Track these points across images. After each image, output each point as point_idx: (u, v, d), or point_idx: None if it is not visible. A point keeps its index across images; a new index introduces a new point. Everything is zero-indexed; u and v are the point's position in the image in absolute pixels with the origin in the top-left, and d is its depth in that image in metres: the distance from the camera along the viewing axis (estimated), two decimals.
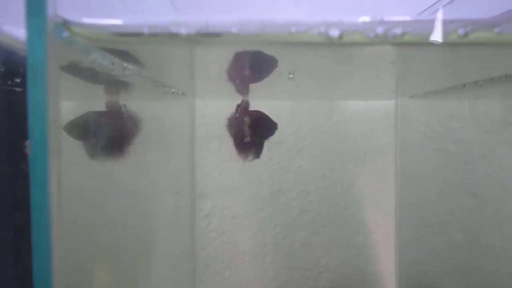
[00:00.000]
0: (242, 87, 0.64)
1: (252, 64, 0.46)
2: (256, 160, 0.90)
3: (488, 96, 0.62)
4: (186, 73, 0.54)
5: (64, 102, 0.33)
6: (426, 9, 0.46)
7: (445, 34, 0.32)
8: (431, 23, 0.32)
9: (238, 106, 0.67)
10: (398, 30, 0.32)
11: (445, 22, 0.32)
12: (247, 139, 0.66)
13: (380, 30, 0.30)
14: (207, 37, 0.31)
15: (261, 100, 0.84)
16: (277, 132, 0.87)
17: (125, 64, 0.43)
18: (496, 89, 0.53)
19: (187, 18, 0.32)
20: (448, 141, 0.69)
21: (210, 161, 0.85)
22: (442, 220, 0.69)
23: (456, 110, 0.68)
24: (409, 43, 0.33)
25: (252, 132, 0.66)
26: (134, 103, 0.61)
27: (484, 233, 0.62)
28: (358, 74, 0.53)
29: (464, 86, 0.55)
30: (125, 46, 0.36)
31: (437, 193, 0.69)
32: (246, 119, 0.66)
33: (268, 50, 0.38)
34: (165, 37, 0.32)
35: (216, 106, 0.84)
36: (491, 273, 0.60)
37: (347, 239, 0.82)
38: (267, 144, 0.91)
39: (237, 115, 0.67)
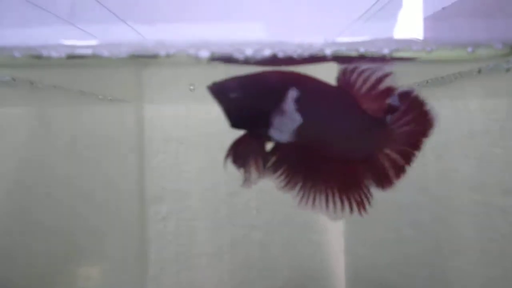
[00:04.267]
0: None
1: None
2: (213, 161, 0.90)
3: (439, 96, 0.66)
4: (131, 83, 0.55)
5: None
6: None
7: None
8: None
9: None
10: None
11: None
12: None
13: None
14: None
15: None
16: (231, 133, 0.88)
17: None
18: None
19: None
20: None
21: (167, 164, 0.85)
22: (390, 215, 0.73)
23: None
24: None
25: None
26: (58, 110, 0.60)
27: (432, 227, 0.66)
28: None
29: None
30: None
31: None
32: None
33: None
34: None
35: (174, 110, 0.84)
36: (439, 266, 0.65)
37: (303, 238, 0.85)
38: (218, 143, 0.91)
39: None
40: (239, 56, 0.29)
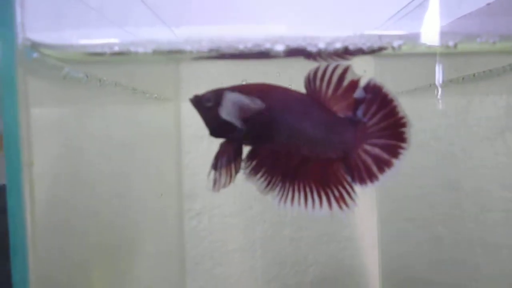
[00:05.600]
0: None
1: None
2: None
3: (467, 93, 0.67)
4: (171, 81, 0.57)
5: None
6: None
7: None
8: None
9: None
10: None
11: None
12: None
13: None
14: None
15: None
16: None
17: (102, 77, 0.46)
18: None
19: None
20: (429, 137, 0.74)
21: (199, 162, 0.86)
22: (423, 214, 0.74)
23: (434, 107, 0.73)
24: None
25: None
26: (114, 107, 0.63)
27: (464, 226, 0.67)
28: None
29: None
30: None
31: (418, 187, 0.74)
32: None
33: None
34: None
35: None
36: (472, 265, 0.65)
37: (333, 234, 0.86)
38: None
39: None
40: (313, 49, 0.30)
